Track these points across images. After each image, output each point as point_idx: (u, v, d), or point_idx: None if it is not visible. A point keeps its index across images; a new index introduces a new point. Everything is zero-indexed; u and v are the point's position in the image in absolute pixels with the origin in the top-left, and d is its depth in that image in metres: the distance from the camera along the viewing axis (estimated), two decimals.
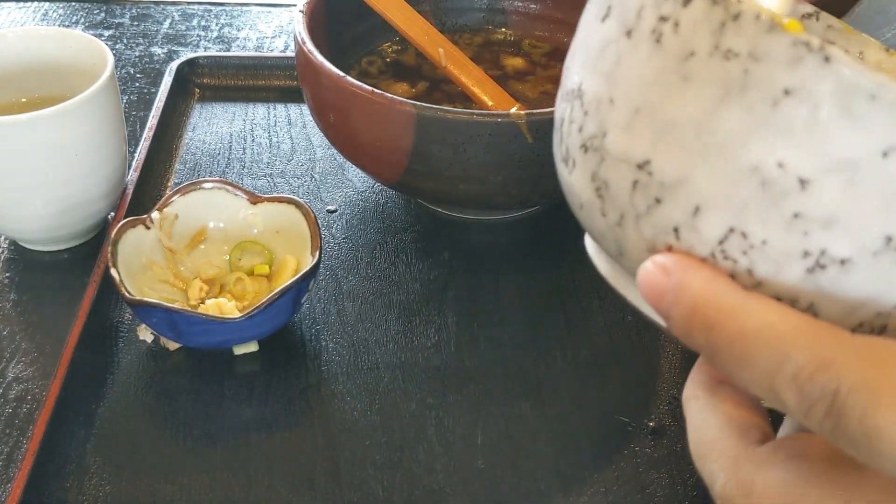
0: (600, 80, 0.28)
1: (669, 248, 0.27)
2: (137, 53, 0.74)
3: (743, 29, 0.24)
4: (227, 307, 0.45)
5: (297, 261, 0.48)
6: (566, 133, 0.30)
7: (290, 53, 0.73)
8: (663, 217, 0.26)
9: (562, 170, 0.32)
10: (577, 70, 0.30)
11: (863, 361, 0.23)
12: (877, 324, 0.26)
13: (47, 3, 0.81)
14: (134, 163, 0.58)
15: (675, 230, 0.26)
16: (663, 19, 0.26)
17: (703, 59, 0.25)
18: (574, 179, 0.30)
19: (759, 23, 0.24)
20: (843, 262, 0.25)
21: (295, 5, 0.55)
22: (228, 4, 0.82)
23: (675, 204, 0.26)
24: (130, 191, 0.56)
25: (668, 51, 0.26)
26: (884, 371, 0.22)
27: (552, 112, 0.45)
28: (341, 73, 0.48)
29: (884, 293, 0.25)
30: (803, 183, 0.24)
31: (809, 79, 0.23)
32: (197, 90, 0.69)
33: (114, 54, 0.51)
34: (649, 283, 0.26)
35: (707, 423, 0.28)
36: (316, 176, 0.61)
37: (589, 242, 0.34)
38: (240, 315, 0.44)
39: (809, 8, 0.41)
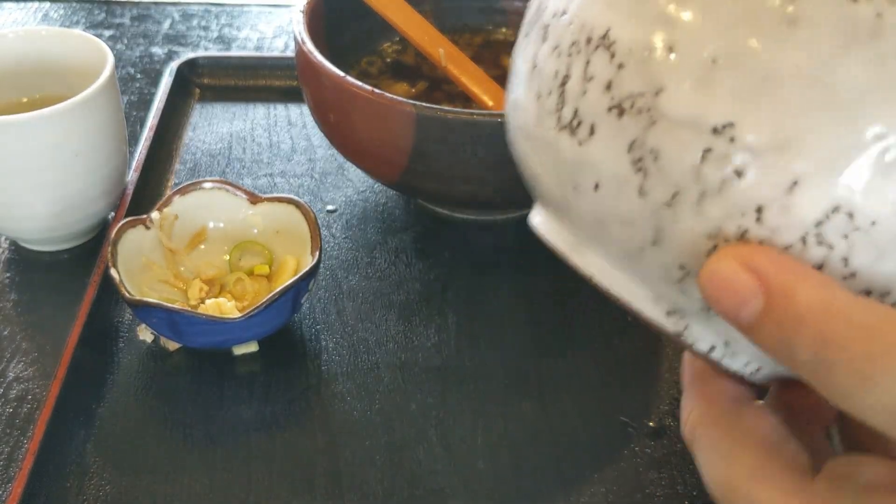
0: (648, 22, 0.23)
1: (743, 234, 0.22)
2: (137, 53, 0.74)
3: None
4: (226, 307, 0.45)
5: (296, 261, 0.48)
6: (577, 92, 0.24)
7: (290, 53, 0.73)
8: (744, 194, 0.21)
9: (559, 141, 0.25)
10: (598, 11, 0.24)
11: None
12: None
13: (48, 3, 0.81)
14: (134, 163, 0.58)
15: (759, 210, 0.21)
16: None
17: None
18: (590, 151, 0.24)
19: None
20: None
21: (295, 5, 0.55)
22: (228, 4, 0.82)
23: (766, 176, 0.21)
24: (130, 191, 0.56)
25: None
26: None
27: None
28: (341, 73, 0.48)
29: None
30: None
31: None
32: (197, 90, 0.69)
33: (114, 54, 0.51)
34: (727, 285, 0.21)
35: (735, 455, 0.23)
36: (316, 176, 0.61)
37: (546, 224, 0.28)
38: (240, 315, 0.44)
39: None
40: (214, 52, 0.74)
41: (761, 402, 0.26)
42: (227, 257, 0.50)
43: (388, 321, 0.50)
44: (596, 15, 0.24)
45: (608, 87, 0.23)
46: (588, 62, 0.24)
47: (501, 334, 0.50)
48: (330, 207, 0.58)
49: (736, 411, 0.25)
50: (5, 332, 0.49)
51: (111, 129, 0.51)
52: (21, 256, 0.54)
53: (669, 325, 0.25)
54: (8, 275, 0.53)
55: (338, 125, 0.51)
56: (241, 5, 0.82)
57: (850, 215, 0.21)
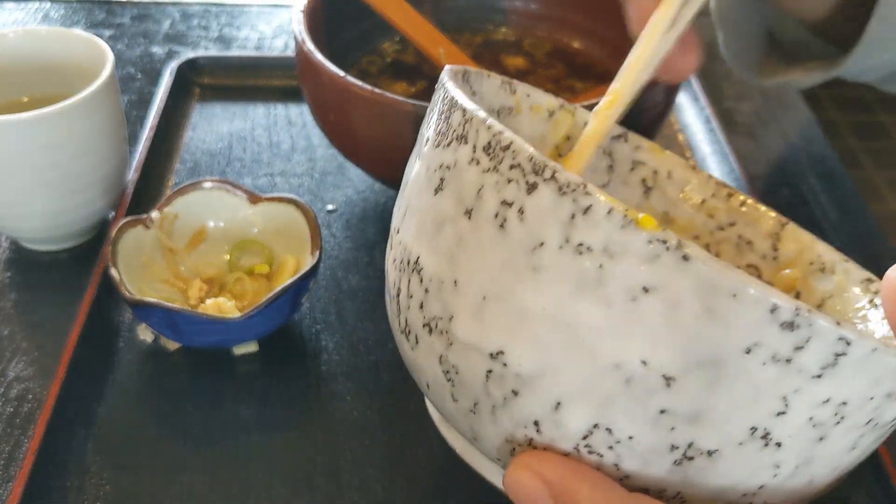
0: (440, 259, 0.26)
1: (530, 441, 0.25)
2: (138, 53, 0.74)
3: (595, 223, 0.23)
4: (226, 307, 0.45)
5: (296, 260, 0.48)
6: (404, 306, 0.28)
7: (290, 53, 0.73)
8: (522, 410, 0.25)
9: (401, 342, 0.30)
10: (413, 239, 0.28)
11: None
12: (743, 503, 0.26)
13: (48, 3, 0.81)
14: (134, 163, 0.58)
15: (536, 424, 0.25)
16: (506, 204, 0.24)
17: (553, 250, 0.23)
18: (418, 357, 0.28)
19: (612, 218, 0.22)
20: (710, 452, 0.24)
21: (295, 5, 0.55)
22: (228, 4, 0.82)
23: (534, 397, 0.25)
24: (130, 190, 0.56)
25: (515, 238, 0.24)
26: None
27: None
28: (341, 73, 0.48)
29: (749, 476, 0.25)
30: (668, 380, 0.23)
31: (668, 276, 0.22)
32: (197, 90, 0.69)
33: (114, 54, 0.51)
34: (522, 490, 0.24)
35: None
36: (316, 175, 0.61)
37: (433, 409, 0.32)
38: (239, 315, 0.43)
39: (618, 130, 0.40)
40: (214, 51, 0.74)
41: None
42: (227, 257, 0.50)
43: (387, 321, 0.50)
44: (411, 241, 0.28)
45: (421, 306, 0.27)
46: (409, 281, 0.28)
47: None
48: (330, 207, 0.58)
49: None
50: (5, 332, 0.49)
51: (111, 129, 0.51)
52: (21, 256, 0.54)
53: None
54: (8, 274, 0.53)
55: (338, 125, 0.51)
56: (241, 5, 0.82)
57: (609, 430, 0.24)
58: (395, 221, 0.30)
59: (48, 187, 0.49)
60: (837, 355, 0.23)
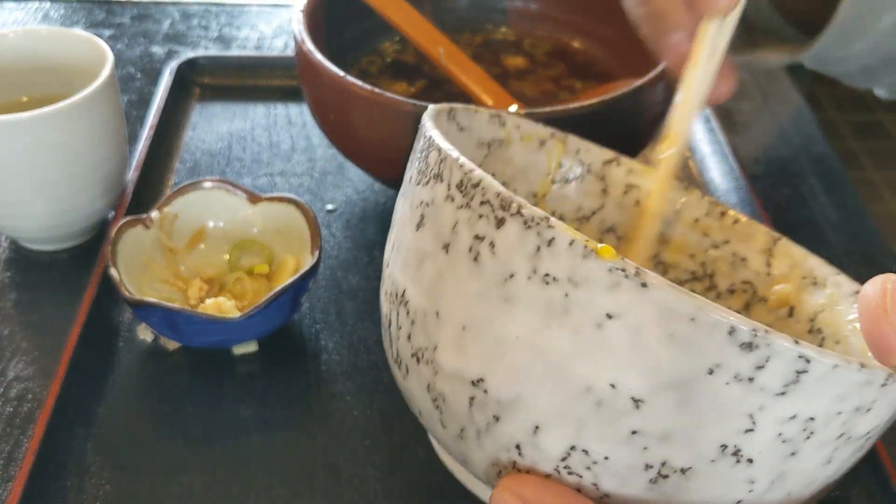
0: (423, 293, 0.28)
1: (514, 464, 0.26)
2: (137, 53, 0.74)
3: (558, 254, 0.24)
4: (226, 307, 0.45)
5: (296, 260, 0.48)
6: (395, 336, 0.30)
7: (290, 53, 0.72)
8: (504, 434, 0.26)
9: (395, 371, 0.31)
10: (399, 273, 0.30)
11: None
12: None
13: (48, 3, 0.81)
14: (134, 162, 0.58)
15: (518, 447, 0.26)
16: (479, 238, 0.26)
17: (522, 281, 0.25)
18: (409, 386, 0.30)
19: (574, 249, 0.24)
20: (683, 470, 0.25)
21: (295, 5, 0.55)
22: (228, 4, 0.82)
23: (514, 422, 0.26)
24: (130, 190, 0.56)
25: (488, 271, 0.26)
26: None
27: (552, 111, 0.46)
28: (341, 73, 0.48)
29: (725, 492, 0.26)
30: (637, 402, 0.24)
31: (630, 303, 0.23)
32: (197, 89, 0.69)
33: (114, 54, 0.51)
34: None
35: None
36: (316, 175, 0.61)
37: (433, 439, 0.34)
38: (239, 314, 0.43)
39: (610, 154, 0.42)
40: (214, 51, 0.74)
41: None
42: (227, 257, 0.50)
43: None
44: (398, 275, 0.30)
45: (409, 337, 0.29)
46: (398, 313, 0.29)
47: None
48: (329, 207, 0.58)
49: None
50: (5, 332, 0.49)
51: (111, 129, 0.51)
52: (21, 256, 0.54)
53: None
54: (8, 274, 0.53)
55: (338, 125, 0.51)
56: (241, 5, 0.82)
57: (586, 452, 0.25)
58: (386, 255, 0.32)
59: (48, 187, 0.49)
60: (798, 372, 0.23)
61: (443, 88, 0.59)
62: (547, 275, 0.24)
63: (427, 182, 0.29)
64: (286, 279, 0.46)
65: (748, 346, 0.23)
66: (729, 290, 0.41)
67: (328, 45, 0.54)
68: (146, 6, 0.81)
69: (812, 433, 0.25)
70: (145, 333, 0.48)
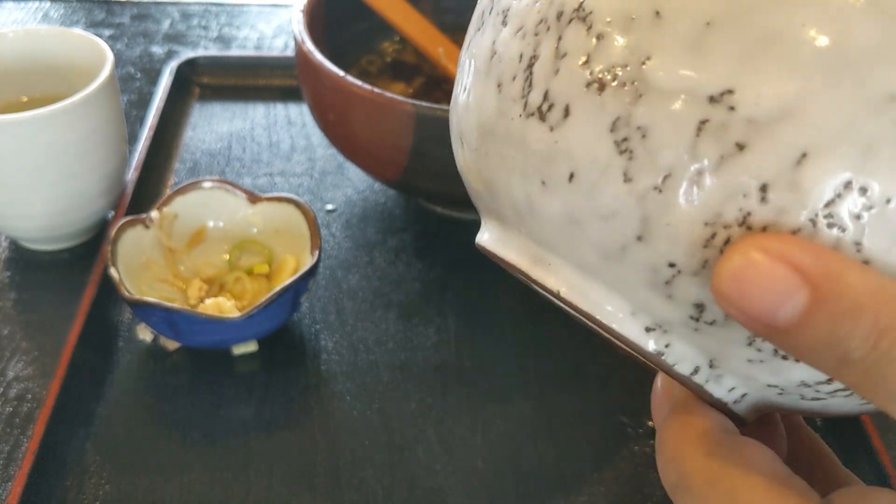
0: None
1: (744, 219, 0.19)
2: (137, 53, 0.74)
3: None
4: (226, 306, 0.45)
5: (296, 260, 0.48)
6: (546, 73, 0.22)
7: (290, 53, 0.73)
8: (747, 170, 0.19)
9: (524, 130, 0.22)
10: None
11: None
12: None
13: (47, 3, 0.81)
14: (134, 162, 0.58)
15: (763, 188, 0.19)
16: None
17: None
18: (566, 136, 0.21)
19: None
20: None
21: (295, 5, 0.55)
22: (228, 4, 0.82)
23: (772, 148, 0.19)
24: (130, 190, 0.56)
25: None
26: None
27: None
28: (341, 73, 0.48)
29: None
30: None
31: None
32: (197, 89, 0.69)
33: (114, 54, 0.51)
34: (759, 281, 0.18)
35: (742, 493, 0.20)
36: (315, 175, 0.61)
37: (500, 240, 0.25)
38: (239, 314, 0.43)
39: None
40: (214, 51, 0.74)
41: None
42: (227, 256, 0.50)
43: (387, 321, 0.50)
44: None
45: (586, 62, 0.21)
46: (560, 38, 0.22)
47: (501, 334, 0.50)
48: (329, 207, 0.58)
49: (731, 443, 0.21)
50: (5, 332, 0.49)
51: (111, 129, 0.51)
52: (21, 256, 0.54)
53: (649, 343, 0.22)
54: (8, 274, 0.53)
55: (337, 124, 0.51)
56: (241, 5, 0.82)
57: (864, 190, 0.18)
58: None
59: (48, 187, 0.49)
60: None
61: (442, 88, 0.59)
62: None
63: None
64: (286, 279, 0.46)
65: None
66: None
67: (328, 45, 0.54)
68: (146, 6, 0.81)
69: None
70: (145, 333, 0.48)
